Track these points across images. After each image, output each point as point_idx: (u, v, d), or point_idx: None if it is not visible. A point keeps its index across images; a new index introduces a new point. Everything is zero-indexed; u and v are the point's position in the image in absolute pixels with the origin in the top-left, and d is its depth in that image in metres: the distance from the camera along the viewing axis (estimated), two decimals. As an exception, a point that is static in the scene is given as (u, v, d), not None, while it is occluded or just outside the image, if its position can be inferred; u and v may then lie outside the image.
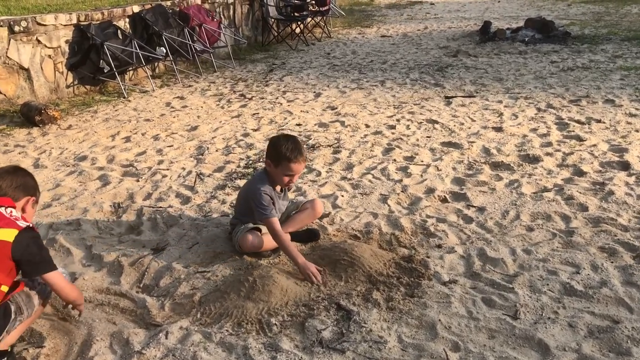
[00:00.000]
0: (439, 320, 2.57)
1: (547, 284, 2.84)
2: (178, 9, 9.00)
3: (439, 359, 2.33)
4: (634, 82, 7.03)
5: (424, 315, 2.60)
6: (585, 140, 4.97)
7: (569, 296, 2.74)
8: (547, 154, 4.66)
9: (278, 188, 3.28)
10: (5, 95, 6.51)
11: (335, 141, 5.24)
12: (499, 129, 5.41)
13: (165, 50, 8.10)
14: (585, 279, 2.87)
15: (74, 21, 7.31)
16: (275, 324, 2.57)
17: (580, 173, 4.26)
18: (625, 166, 4.34)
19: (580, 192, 3.89)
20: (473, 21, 14.13)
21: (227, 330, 2.56)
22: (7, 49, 6.50)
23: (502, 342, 2.43)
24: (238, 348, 2.43)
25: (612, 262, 3.02)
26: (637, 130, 5.17)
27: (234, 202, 3.88)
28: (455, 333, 2.49)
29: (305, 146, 5.11)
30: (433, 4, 19.82)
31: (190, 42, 8.62)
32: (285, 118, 6.13)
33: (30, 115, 6.09)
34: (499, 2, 19.36)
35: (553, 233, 3.36)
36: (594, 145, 4.83)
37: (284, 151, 3.07)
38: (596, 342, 2.40)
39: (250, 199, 3.13)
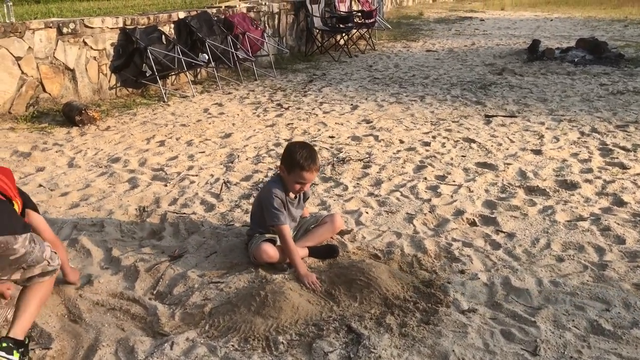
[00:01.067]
0: (453, 350, 2.44)
1: (573, 320, 2.67)
2: (223, 17, 9.11)
3: (448, 393, 2.21)
4: (688, 109, 6.70)
5: (438, 344, 2.49)
6: (629, 169, 4.73)
7: (595, 335, 2.57)
8: (587, 180, 4.46)
9: (292, 195, 3.25)
10: (50, 94, 6.70)
11: (367, 155, 5.16)
12: (538, 152, 5.21)
13: (207, 57, 8.19)
14: (615, 318, 2.69)
15: (120, 25, 7.48)
16: (282, 343, 2.50)
17: (620, 203, 4.05)
18: (670, 198, 4.10)
19: (618, 224, 3.68)
20: (522, 39, 13.83)
21: (232, 346, 2.50)
22: (55, 49, 6.69)
23: (518, 379, 2.29)
24: (241, 365, 2.37)
25: (646, 301, 2.83)
26: (686, 161, 4.90)
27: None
28: (469, 366, 2.36)
29: (335, 159, 5.05)
30: (483, 20, 19.55)
31: (233, 50, 8.70)
32: (319, 129, 6.08)
33: (71, 115, 6.23)
34: (551, 20, 18.93)
35: (584, 265, 3.18)
36: (638, 174, 4.59)
37: (297, 158, 3.07)
38: (621, 388, 2.24)
39: (262, 202, 3.15)
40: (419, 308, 2.75)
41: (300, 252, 3.17)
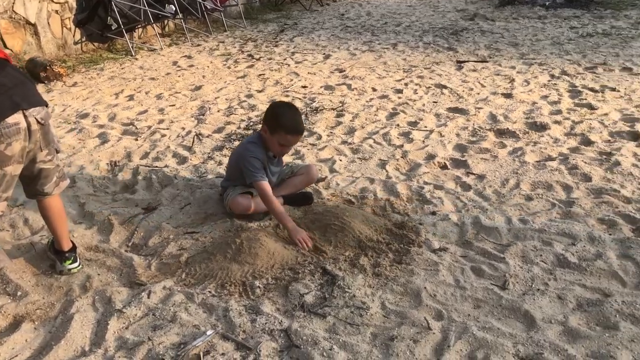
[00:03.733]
0: (425, 287, 2.52)
1: (540, 255, 2.76)
2: (189, -34, 8.82)
3: (421, 327, 2.28)
4: (655, 50, 6.78)
5: (410, 282, 2.56)
6: (597, 109, 4.81)
7: (561, 268, 2.67)
8: (556, 122, 4.53)
9: (271, 153, 3.21)
10: (12, 50, 6.48)
11: (340, 104, 5.14)
12: (508, 96, 5.26)
13: (174, 8, 7.98)
14: (581, 251, 2.79)
15: (81, -24, 7.20)
16: (259, 287, 2.55)
17: (588, 142, 4.13)
18: (635, 136, 4.19)
19: (585, 162, 3.77)
20: (494, -16, 13.70)
21: (209, 292, 2.54)
22: (14, 3, 6.44)
23: (487, 312, 2.38)
24: (219, 310, 2.41)
25: (610, 235, 2.93)
26: (652, 100, 5.00)
27: (230, 163, 3.83)
28: (440, 301, 2.44)
29: (308, 109, 5.03)
30: (455, -35, 19.26)
31: (201, 0, 8.47)
32: (292, 80, 6.03)
33: (35, 72, 6.06)
34: (523, -36, 18.74)
35: (552, 203, 3.27)
36: (606, 114, 4.67)
37: (283, 121, 2.98)
38: (584, 315, 2.34)
39: (241, 161, 3.08)
40: (392, 249, 2.81)
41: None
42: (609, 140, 4.15)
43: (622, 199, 3.29)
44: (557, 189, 3.45)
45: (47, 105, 2.49)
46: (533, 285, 2.54)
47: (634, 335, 2.21)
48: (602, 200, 3.28)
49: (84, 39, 7.39)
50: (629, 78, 5.69)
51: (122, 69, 6.65)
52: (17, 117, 2.31)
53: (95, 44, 7.57)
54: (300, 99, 5.35)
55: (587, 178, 3.57)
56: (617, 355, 2.11)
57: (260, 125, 4.58)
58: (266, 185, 3.02)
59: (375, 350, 2.17)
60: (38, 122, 2.40)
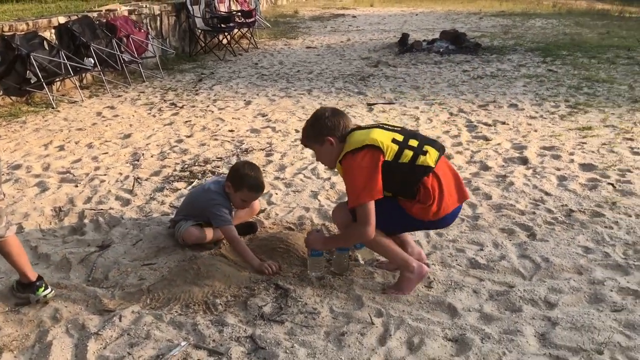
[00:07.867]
0: (364, 293, 2.95)
1: (456, 260, 3.29)
2: (105, 20, 9.06)
3: (365, 323, 2.70)
4: (535, 89, 7.81)
5: (352, 289, 2.98)
6: (491, 140, 5.55)
7: (474, 269, 3.20)
8: (458, 152, 5.20)
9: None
10: None
11: (268, 145, 5.57)
12: (416, 132, 5.91)
13: (93, 61, 8.13)
14: (488, 255, 3.34)
15: (-2, 32, 7.26)
16: (220, 304, 2.87)
17: (486, 168, 4.80)
18: (524, 161, 4.92)
19: (485, 184, 4.41)
20: (392, 33, 14.86)
21: (176, 311, 2.82)
22: None
23: (418, 307, 2.84)
24: (187, 325, 2.71)
25: (510, 240, 3.52)
26: (535, 130, 5.83)
27: (174, 203, 4.13)
28: (379, 302, 2.87)
29: (239, 150, 5.41)
30: (355, 16, 20.56)
31: (118, 53, 8.70)
32: (218, 125, 6.39)
33: (-44, 126, 6.03)
34: (416, 15, 20.37)
35: (461, 218, 3.83)
36: (499, 144, 5.41)
37: (247, 180, 3.36)
38: (495, 303, 2.86)
39: (211, 208, 3.36)
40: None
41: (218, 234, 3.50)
42: (503, 165, 4.84)
43: (517, 211, 3.92)
44: (464, 207, 4.02)
45: None
46: (452, 284, 3.04)
47: (534, 314, 2.75)
48: (501, 213, 3.89)
49: (0, 93, 7.38)
50: (515, 113, 6.56)
51: (46, 121, 6.73)
52: None
53: (13, 97, 7.56)
54: (229, 141, 5.72)
55: (488, 197, 4.19)
56: (523, 330, 2.63)
57: (196, 167, 4.92)
58: (233, 229, 3.35)
59: (330, 345, 2.56)
60: None
